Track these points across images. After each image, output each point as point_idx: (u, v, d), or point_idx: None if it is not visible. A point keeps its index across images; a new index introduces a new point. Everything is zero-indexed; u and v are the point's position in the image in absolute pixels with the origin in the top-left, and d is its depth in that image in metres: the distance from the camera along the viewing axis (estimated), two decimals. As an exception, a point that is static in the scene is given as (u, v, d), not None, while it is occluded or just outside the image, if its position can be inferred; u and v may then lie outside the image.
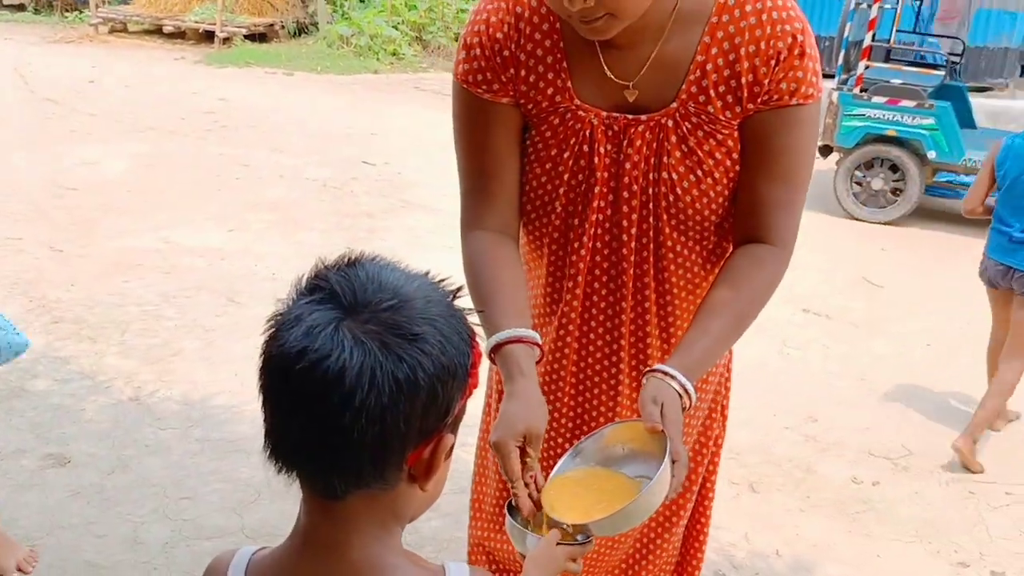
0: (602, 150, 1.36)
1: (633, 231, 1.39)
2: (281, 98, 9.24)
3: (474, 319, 0.91)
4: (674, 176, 1.35)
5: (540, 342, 1.33)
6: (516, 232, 1.48)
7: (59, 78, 9.34)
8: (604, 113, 1.35)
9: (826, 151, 6.64)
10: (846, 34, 6.88)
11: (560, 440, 1.57)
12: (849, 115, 6.28)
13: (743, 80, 1.30)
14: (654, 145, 1.35)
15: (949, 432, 3.56)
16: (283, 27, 12.73)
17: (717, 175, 1.36)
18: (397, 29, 12.14)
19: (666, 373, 1.27)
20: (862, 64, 6.43)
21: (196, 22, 12.45)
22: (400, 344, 0.82)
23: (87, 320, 3.87)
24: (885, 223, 6.37)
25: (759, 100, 1.32)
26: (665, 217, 1.38)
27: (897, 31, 7.17)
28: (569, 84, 1.36)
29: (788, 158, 1.36)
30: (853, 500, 3.04)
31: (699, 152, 1.34)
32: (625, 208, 1.38)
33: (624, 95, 1.35)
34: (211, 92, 9.20)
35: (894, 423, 3.60)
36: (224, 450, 2.99)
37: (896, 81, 6.45)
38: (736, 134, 1.35)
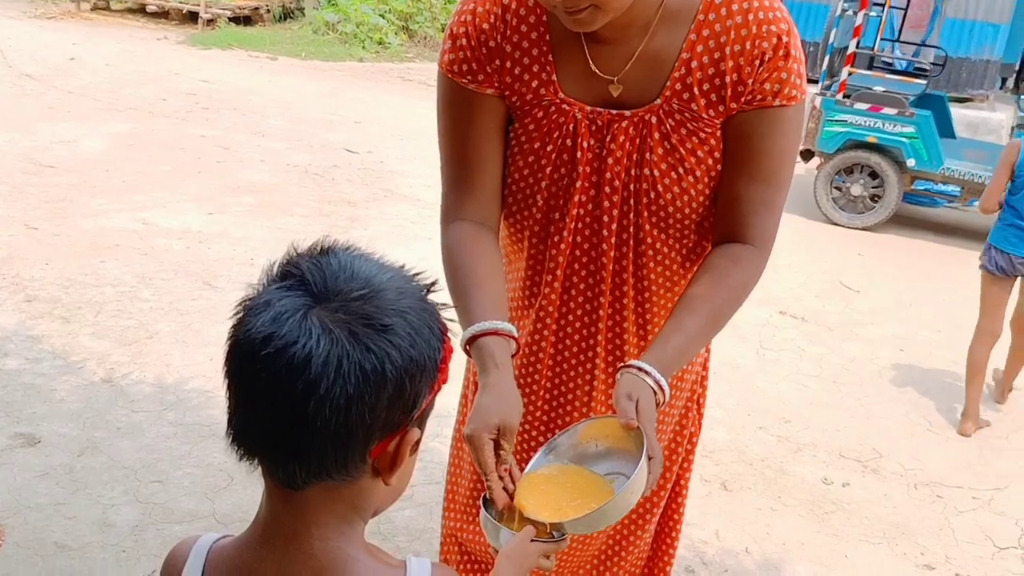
0: (585, 145, 1.36)
1: (614, 226, 1.39)
2: (264, 82, 9.16)
3: (448, 314, 0.90)
4: (656, 173, 1.35)
5: (516, 335, 1.32)
6: (496, 224, 1.47)
7: (39, 54, 9.20)
8: (588, 108, 1.35)
9: (807, 155, 6.69)
10: (831, 40, 6.93)
11: (535, 433, 1.57)
12: (831, 120, 6.33)
13: (727, 79, 1.31)
14: (637, 141, 1.35)
15: (919, 436, 3.62)
16: (268, 11, 12.63)
17: (698, 173, 1.36)
18: (384, 18, 12.07)
19: (641, 369, 1.26)
20: (845, 70, 6.48)
21: (180, 2, 12.31)
22: (369, 334, 0.81)
23: (61, 299, 3.82)
24: (863, 228, 6.44)
25: (742, 100, 1.32)
26: (646, 214, 1.38)
27: (881, 39, 7.23)
28: (554, 77, 1.36)
29: (769, 159, 1.36)
30: (823, 500, 3.08)
31: (681, 150, 1.34)
32: (606, 203, 1.38)
33: (609, 90, 1.35)
34: (193, 73, 9.11)
35: (866, 426, 3.64)
36: (197, 435, 2.97)
37: (879, 88, 6.51)
38: (719, 133, 1.35)
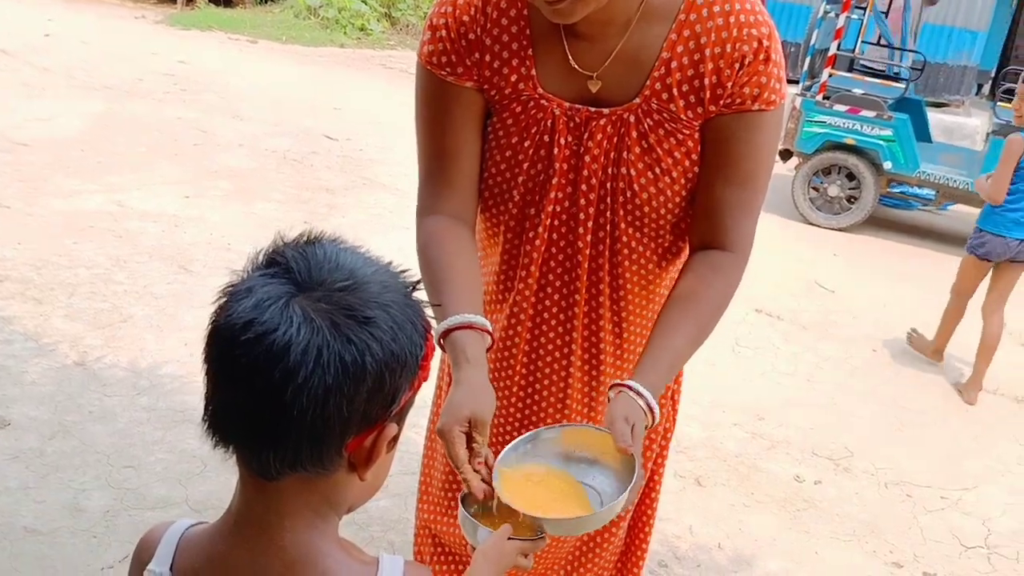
0: (563, 141, 1.35)
1: (590, 224, 1.39)
2: (243, 65, 9.06)
3: (431, 312, 0.90)
4: (632, 172, 1.35)
5: (491, 329, 1.31)
6: (472, 218, 1.47)
7: (13, 29, 9.03)
8: (567, 104, 1.35)
9: (786, 155, 6.74)
10: (812, 41, 6.98)
11: (509, 428, 1.57)
12: (811, 121, 6.38)
13: (706, 81, 1.30)
14: (615, 140, 1.34)
15: (890, 436, 3.67)
16: (249, -7, 12.49)
17: (675, 174, 1.35)
18: (366, 4, 11.99)
19: (637, 392, 1.26)
20: (826, 72, 6.53)
21: (159, -19, 12.14)
22: (350, 326, 0.81)
23: (33, 280, 3.76)
24: (839, 229, 6.50)
25: (721, 103, 1.31)
26: (621, 212, 1.37)
27: (862, 42, 7.30)
28: (533, 72, 1.35)
29: (748, 162, 1.35)
30: (795, 498, 3.11)
31: (658, 150, 1.34)
32: (582, 201, 1.38)
33: (588, 86, 1.34)
34: (171, 54, 8.99)
35: (838, 425, 3.68)
36: (171, 420, 2.94)
37: (858, 91, 6.57)
38: (696, 135, 1.34)
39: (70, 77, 7.53)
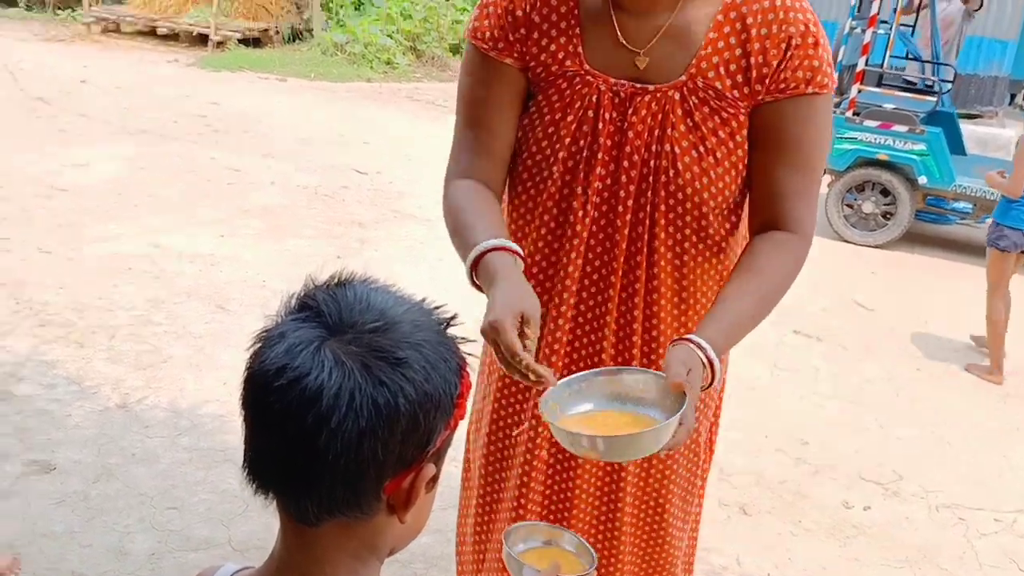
0: (607, 116, 1.36)
1: (630, 203, 1.38)
2: (274, 103, 9.21)
3: (466, 348, 0.88)
4: (676, 150, 1.35)
5: (521, 253, 1.32)
6: (500, 190, 1.47)
7: (50, 77, 9.26)
8: (612, 80, 1.36)
9: (818, 173, 6.67)
10: (840, 58, 6.93)
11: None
12: (841, 138, 6.32)
13: (752, 60, 1.32)
14: (659, 116, 1.35)
15: (939, 457, 3.58)
16: (278, 32, 12.70)
17: (719, 155, 1.36)
18: (392, 38, 12.13)
19: (698, 345, 1.25)
20: (855, 88, 6.48)
21: (191, 25, 12.40)
22: (382, 368, 0.80)
23: (75, 324, 3.82)
24: (875, 246, 6.41)
25: (771, 85, 1.33)
26: (663, 193, 1.37)
27: (890, 56, 7.24)
28: (580, 49, 1.37)
29: (806, 147, 1.37)
30: (844, 524, 3.04)
31: (703, 128, 1.34)
32: (624, 178, 1.37)
33: (635, 63, 1.36)
34: (204, 95, 9.15)
35: (885, 447, 3.60)
36: (212, 460, 2.95)
37: (888, 106, 6.50)
38: (743, 117, 1.35)
39: (106, 122, 7.70)
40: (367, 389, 0.78)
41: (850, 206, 6.49)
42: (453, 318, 0.90)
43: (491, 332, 1.19)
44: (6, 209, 5.21)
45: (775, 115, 1.35)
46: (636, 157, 1.36)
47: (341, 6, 13.08)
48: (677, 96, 1.34)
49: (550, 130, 1.40)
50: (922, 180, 6.23)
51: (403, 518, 0.87)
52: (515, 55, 1.40)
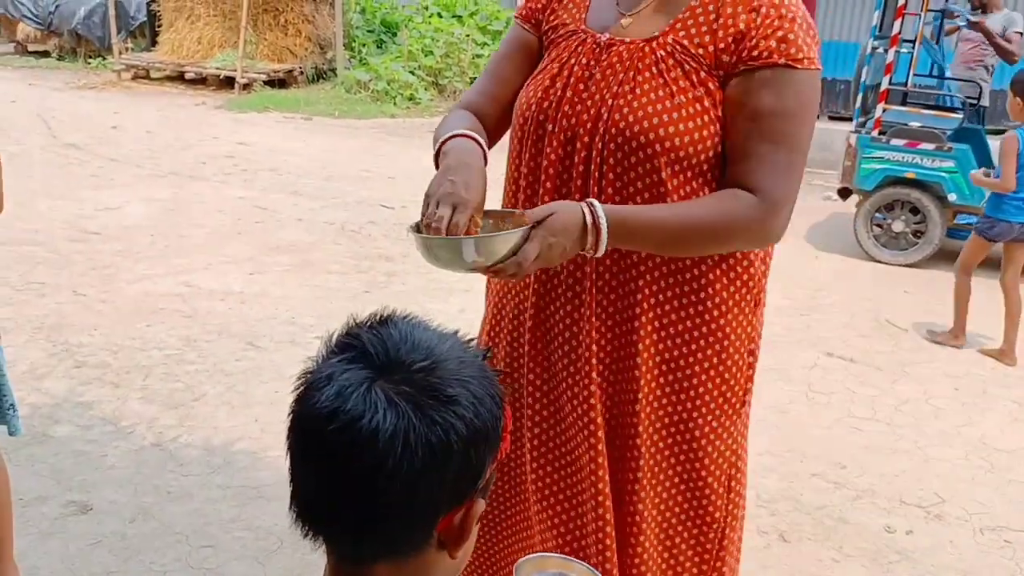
0: (583, 61, 1.49)
1: (586, 140, 1.46)
2: (299, 142, 9.34)
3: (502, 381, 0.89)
4: (637, 91, 1.42)
5: (484, 144, 1.47)
6: (490, 125, 1.61)
7: (82, 123, 9.49)
8: (599, 35, 1.50)
9: (845, 194, 6.63)
10: (863, 78, 6.91)
11: (524, 320, 1.61)
12: (868, 158, 6.28)
13: (721, 24, 1.40)
14: (627, 64, 1.44)
15: (981, 478, 3.49)
16: (302, 73, 12.93)
17: (679, 105, 1.39)
18: (414, 74, 12.29)
19: (590, 205, 1.36)
20: (880, 107, 6.44)
21: (217, 69, 12.66)
22: (434, 406, 0.80)
23: (110, 365, 3.87)
24: (907, 265, 6.33)
25: (742, 54, 1.38)
26: (613, 131, 1.42)
27: (914, 75, 7.19)
28: (585, 15, 1.54)
29: (780, 121, 1.39)
30: (887, 550, 2.97)
31: (666, 77, 1.41)
32: (584, 116, 1.46)
33: (621, 24, 1.49)
34: (231, 137, 9.32)
35: (925, 469, 3.53)
36: (246, 496, 2.96)
37: (915, 124, 6.45)
38: (711, 85, 1.40)
39: (137, 166, 7.85)
40: (421, 429, 0.79)
41: (880, 226, 6.42)
42: (489, 350, 0.91)
43: (451, 201, 1.32)
44: (42, 254, 5.31)
45: (746, 84, 1.39)
46: (597, 97, 1.45)
47: (363, 45, 13.30)
48: (647, 49, 1.44)
49: (538, 76, 1.54)
50: (951, 197, 6.15)
51: (455, 554, 0.87)
52: (538, 25, 1.59)
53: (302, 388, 0.83)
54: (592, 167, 1.45)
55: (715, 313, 1.49)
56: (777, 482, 3.31)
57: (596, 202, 1.36)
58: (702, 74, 1.40)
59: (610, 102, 1.43)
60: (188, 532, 2.75)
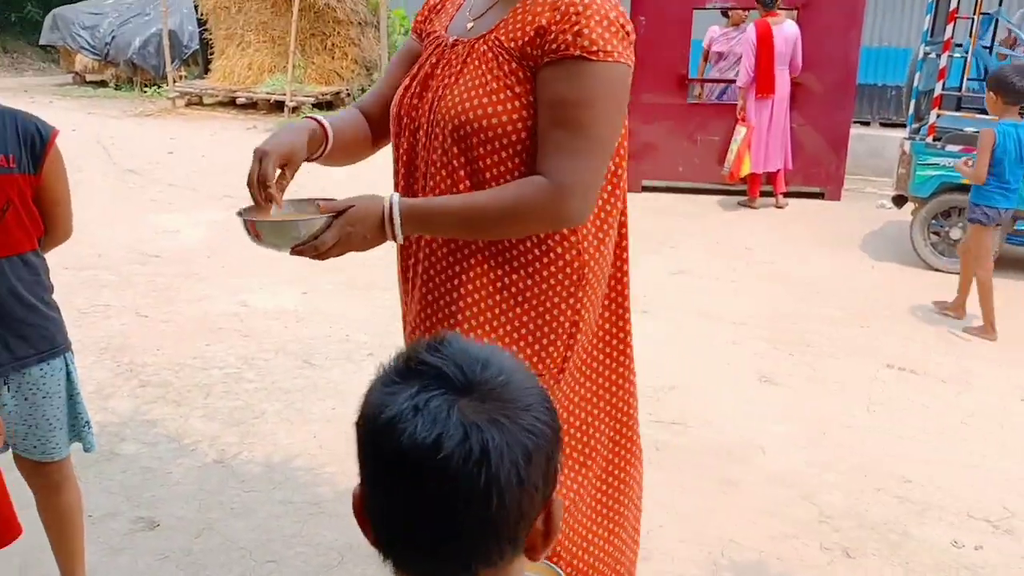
0: (432, 60, 1.68)
1: (425, 127, 1.64)
2: (349, 163, 9.48)
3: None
4: (459, 82, 1.59)
5: (327, 128, 1.70)
6: (375, 115, 1.83)
7: (139, 150, 9.76)
8: (449, 38, 1.68)
9: (900, 201, 6.51)
10: (915, 84, 6.79)
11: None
12: (923, 164, 6.16)
13: (531, 18, 1.54)
14: (458, 61, 1.62)
15: (1054, 493, 3.39)
16: (348, 94, 13.14)
17: (492, 92, 1.55)
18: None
19: (391, 199, 1.56)
20: (934, 113, 6.33)
21: (267, 93, 12.94)
22: (521, 417, 0.82)
23: (172, 383, 3.96)
24: (965, 273, 6.17)
25: (544, 47, 1.52)
26: (438, 116, 1.60)
27: (968, 79, 7.05)
28: (448, 22, 1.73)
29: (574, 109, 1.50)
30: (955, 566, 2.89)
31: (483, 67, 1.57)
32: (425, 108, 1.64)
33: (467, 27, 1.66)
34: (282, 159, 9.48)
35: (992, 483, 3.43)
36: (306, 513, 3.00)
37: (969, 129, 6.31)
38: (522, 74, 1.54)
39: (193, 190, 8.05)
40: (518, 441, 0.81)
41: (937, 233, 6.29)
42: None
43: (259, 154, 1.56)
44: (107, 277, 5.47)
45: (546, 75, 1.52)
46: (434, 90, 1.63)
47: (409, 65, 13.46)
48: (475, 46, 1.60)
49: (404, 80, 1.74)
50: (1010, 203, 6.00)
51: (539, 555, 0.88)
52: (420, 35, 1.79)
53: (387, 423, 0.81)
54: (430, 153, 1.64)
55: (535, 291, 1.65)
56: (841, 498, 3.24)
57: (397, 195, 1.57)
58: (513, 64, 1.55)
59: (440, 92, 1.62)
60: (252, 548, 2.80)
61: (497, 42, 1.58)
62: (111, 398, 3.80)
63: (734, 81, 8.30)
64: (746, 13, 8.60)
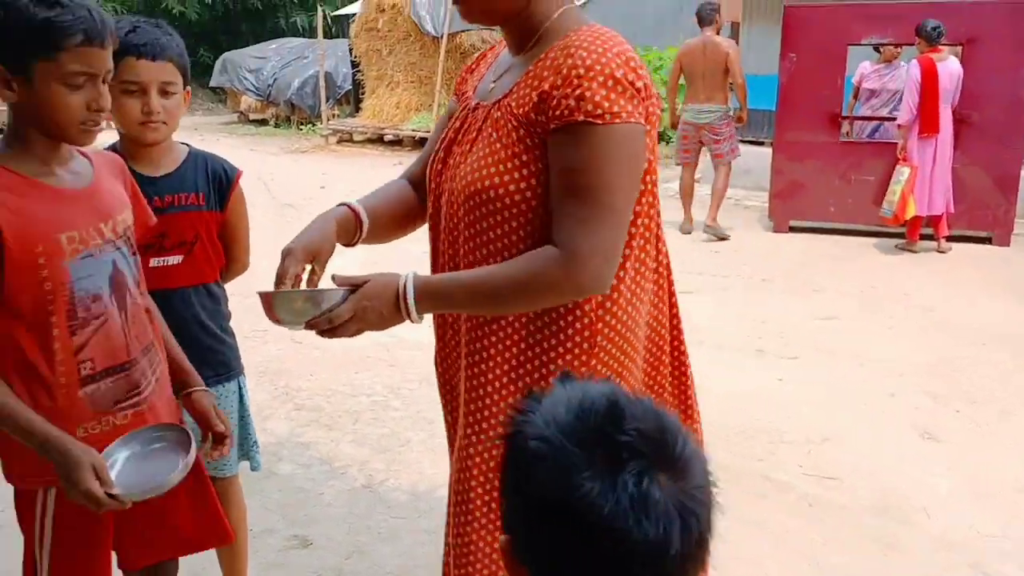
0: (456, 125, 1.69)
1: (447, 195, 1.65)
2: (490, 199, 9.70)
3: None
4: (474, 149, 1.59)
5: (360, 212, 1.72)
6: (419, 182, 1.84)
7: (295, 184, 10.33)
8: (475, 101, 1.68)
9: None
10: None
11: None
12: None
13: (536, 83, 1.52)
14: (476, 126, 1.62)
15: None
16: (491, 133, 13.48)
17: (505, 159, 1.52)
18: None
19: (406, 278, 1.54)
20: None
21: (413, 131, 13.46)
22: (705, 479, 0.87)
23: (324, 408, 4.13)
24: None
25: (550, 113, 1.48)
26: (459, 184, 1.59)
27: None
28: (478, 83, 1.74)
29: (579, 174, 1.47)
30: None
31: (497, 134, 1.55)
32: (448, 175, 1.65)
33: (491, 91, 1.66)
34: (427, 195, 9.82)
35: None
36: (450, 543, 3.03)
37: None
38: (531, 140, 1.51)
39: (344, 222, 8.42)
40: (709, 509, 0.85)
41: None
42: None
43: (284, 253, 1.61)
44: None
45: (555, 141, 1.49)
46: (454, 156, 1.64)
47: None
48: (490, 112, 1.59)
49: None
50: None
51: None
52: (459, 95, 1.79)
53: (619, 523, 0.80)
54: (448, 221, 1.65)
55: (544, 359, 1.62)
56: (1014, 570, 2.99)
57: (413, 272, 1.54)
58: (521, 132, 1.52)
59: (457, 160, 1.62)
60: (398, 573, 2.86)
61: (508, 108, 1.56)
62: (269, 419, 4.00)
63: (887, 119, 7.96)
64: (899, 50, 8.26)
